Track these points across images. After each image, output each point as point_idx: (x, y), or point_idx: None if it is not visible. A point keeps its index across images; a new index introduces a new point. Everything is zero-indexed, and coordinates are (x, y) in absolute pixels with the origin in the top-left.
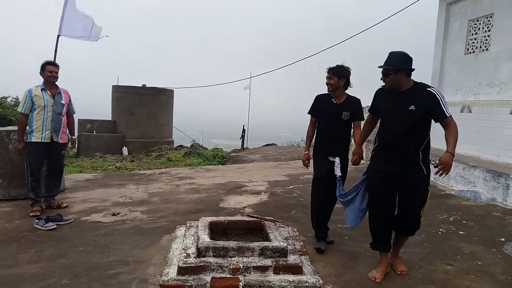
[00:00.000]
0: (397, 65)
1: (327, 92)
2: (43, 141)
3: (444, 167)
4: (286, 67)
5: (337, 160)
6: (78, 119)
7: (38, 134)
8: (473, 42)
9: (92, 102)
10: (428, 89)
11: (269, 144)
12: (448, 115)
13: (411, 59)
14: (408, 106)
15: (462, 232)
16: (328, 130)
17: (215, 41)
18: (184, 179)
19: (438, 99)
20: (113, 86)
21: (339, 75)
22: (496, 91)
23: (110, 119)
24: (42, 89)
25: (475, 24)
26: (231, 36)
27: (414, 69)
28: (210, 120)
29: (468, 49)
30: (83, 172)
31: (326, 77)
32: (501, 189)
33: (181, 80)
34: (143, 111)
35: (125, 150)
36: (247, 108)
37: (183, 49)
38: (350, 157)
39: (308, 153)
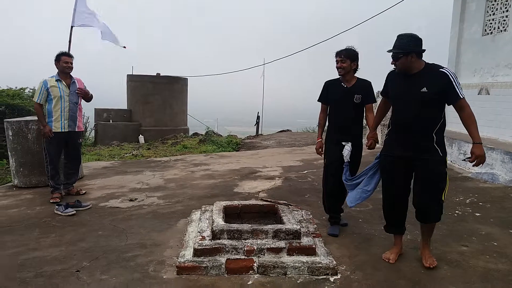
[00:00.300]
0: (406, 47)
1: (336, 77)
2: (62, 130)
3: (479, 159)
4: (301, 52)
5: (348, 145)
6: (94, 109)
7: (58, 124)
8: (491, 23)
9: (108, 92)
10: (440, 69)
11: (284, 130)
12: (461, 97)
13: (420, 40)
14: (420, 88)
15: (478, 214)
16: (340, 115)
17: (229, 29)
18: (199, 165)
19: (451, 80)
20: (128, 75)
21: (351, 58)
22: None
23: (126, 108)
24: (57, 80)
25: (493, 4)
26: (245, 23)
27: (424, 50)
28: (225, 108)
29: (485, 30)
30: (101, 160)
31: (337, 60)
32: None
33: (196, 69)
34: (158, 100)
35: (141, 138)
36: (262, 95)
37: (196, 37)
38: (364, 141)
39: (321, 140)
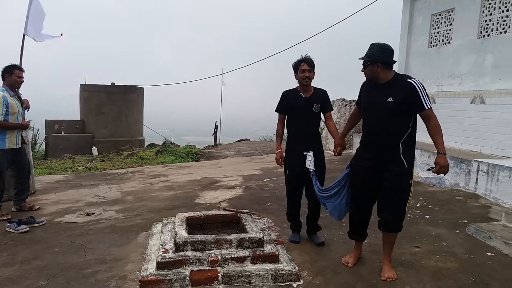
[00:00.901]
0: (374, 56)
1: (293, 88)
2: (17, 147)
3: (443, 170)
4: (258, 63)
5: (310, 154)
6: (45, 120)
7: (13, 140)
8: (436, 36)
9: (58, 103)
10: (408, 80)
11: (242, 140)
12: (427, 107)
13: (390, 51)
14: (386, 98)
15: (428, 216)
16: (300, 125)
17: (187, 39)
18: (158, 177)
19: (417, 90)
20: (81, 85)
21: (314, 67)
22: (458, 82)
23: (79, 119)
24: (12, 96)
25: (438, 18)
26: (202, 33)
27: (394, 61)
28: (181, 118)
29: (431, 43)
30: (53, 174)
31: (304, 69)
32: (463, 175)
33: (151, 78)
34: (112, 110)
35: (94, 150)
36: (219, 105)
37: (153, 47)
38: (328, 150)
39: (281, 151)
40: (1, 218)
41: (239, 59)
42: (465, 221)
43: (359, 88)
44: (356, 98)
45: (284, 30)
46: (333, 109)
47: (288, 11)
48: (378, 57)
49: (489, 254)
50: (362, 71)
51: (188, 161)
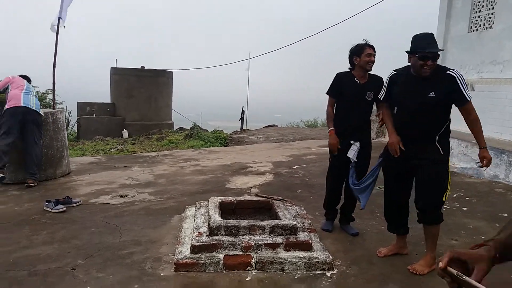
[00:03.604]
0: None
1: (346, 71)
2: None
3: (489, 163)
4: (285, 48)
5: (357, 144)
6: (77, 102)
7: None
8: (477, 20)
9: (91, 85)
10: (448, 72)
11: (270, 126)
12: (468, 100)
13: None
14: (428, 92)
15: (465, 208)
16: (350, 112)
17: (216, 23)
18: (188, 160)
19: (459, 83)
20: (111, 68)
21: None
22: (499, 69)
23: (110, 102)
24: None
25: (479, 1)
26: (231, 18)
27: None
28: (208, 102)
29: (471, 27)
30: (86, 155)
31: (370, 54)
32: (503, 166)
33: (181, 63)
34: (142, 94)
35: (125, 133)
36: (246, 90)
37: (182, 32)
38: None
39: (335, 134)
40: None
41: (269, 45)
42: (505, 215)
43: (386, 82)
44: (382, 93)
45: (310, 19)
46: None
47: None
48: None
49: None
50: (427, 64)
51: (217, 146)
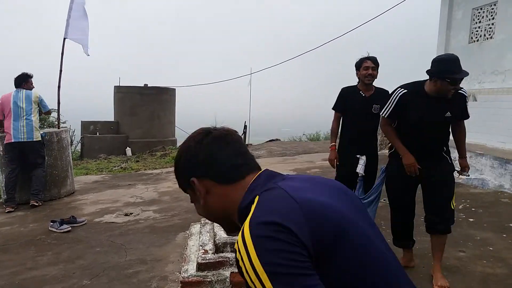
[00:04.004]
0: None
1: (353, 85)
2: None
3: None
4: (286, 62)
5: (363, 158)
6: (81, 121)
7: None
8: (477, 31)
9: (94, 104)
10: (459, 91)
11: (273, 140)
12: (468, 116)
13: None
14: (444, 113)
15: (471, 219)
16: (357, 126)
17: (217, 39)
18: None
19: (466, 101)
20: (115, 86)
21: (378, 67)
22: (501, 79)
23: (113, 120)
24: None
25: (479, 12)
26: (233, 33)
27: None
28: (210, 118)
29: (472, 38)
30: (89, 174)
31: (368, 67)
32: (508, 176)
33: (183, 80)
34: (145, 111)
35: (128, 151)
36: (248, 104)
37: (185, 48)
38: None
39: (336, 150)
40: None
41: (268, 61)
42: None
43: (394, 100)
44: (388, 109)
45: (313, 32)
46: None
47: (318, 13)
48: None
49: None
50: (453, 90)
51: None
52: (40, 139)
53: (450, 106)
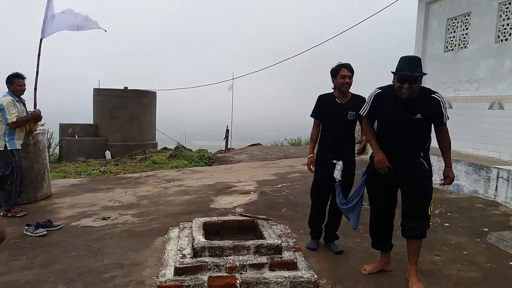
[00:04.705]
0: (422, 70)
1: (329, 92)
2: (20, 148)
3: (451, 181)
4: (269, 68)
5: (340, 163)
6: (59, 124)
7: (20, 141)
8: (452, 40)
9: (72, 107)
10: (433, 95)
11: (255, 144)
12: (445, 122)
13: None
14: (415, 114)
15: (447, 224)
16: (333, 132)
17: (198, 43)
18: (172, 181)
19: (442, 106)
20: (94, 89)
21: (353, 74)
22: (475, 87)
23: (92, 123)
24: (17, 101)
25: (453, 22)
26: (214, 38)
27: (426, 74)
28: (192, 122)
29: (447, 47)
30: (68, 177)
31: (345, 75)
32: (482, 182)
33: (163, 83)
34: (125, 114)
35: (108, 154)
36: (230, 109)
37: (165, 52)
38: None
39: (313, 156)
40: (17, 214)
41: (252, 64)
42: (486, 229)
43: (370, 99)
44: (365, 109)
45: (297, 37)
46: (362, 115)
47: (301, 18)
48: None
49: None
50: (405, 88)
51: (201, 166)
52: (2, 149)
53: (420, 107)
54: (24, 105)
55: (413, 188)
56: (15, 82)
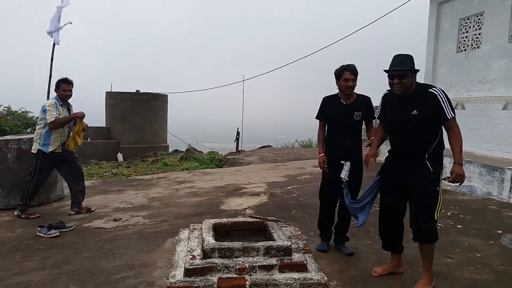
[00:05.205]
0: (412, 65)
1: (334, 93)
2: (58, 151)
3: (459, 179)
4: (280, 69)
5: (348, 164)
6: None
7: (55, 145)
8: (464, 41)
9: (86, 109)
10: (429, 90)
11: (265, 146)
12: (449, 117)
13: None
14: (411, 111)
15: (460, 226)
16: (340, 133)
17: (209, 46)
18: (183, 183)
19: (440, 100)
20: (106, 92)
21: (357, 76)
22: (488, 88)
23: (104, 125)
24: (61, 105)
25: (466, 22)
26: (225, 40)
27: (419, 70)
28: (203, 124)
29: (459, 47)
30: None
31: (348, 78)
32: (496, 183)
33: (175, 86)
34: (137, 117)
35: (120, 156)
36: (241, 111)
37: (175, 54)
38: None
39: (324, 155)
40: (31, 216)
41: (262, 66)
42: (499, 232)
43: (380, 101)
44: (377, 111)
45: (307, 39)
46: (375, 118)
47: (314, 23)
48: (414, 66)
49: None
50: (395, 83)
51: (212, 168)
52: (35, 152)
53: (417, 104)
54: (69, 110)
55: (415, 191)
56: (61, 87)
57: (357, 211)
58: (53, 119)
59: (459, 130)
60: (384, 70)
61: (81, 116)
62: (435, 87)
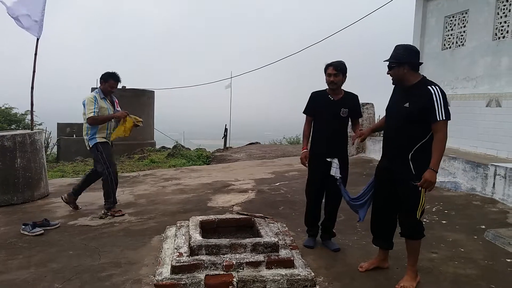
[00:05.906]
0: (400, 58)
1: (323, 89)
2: (108, 140)
3: (427, 185)
4: (269, 68)
5: (335, 161)
6: (57, 123)
7: (103, 135)
8: (450, 38)
9: (72, 105)
10: (428, 86)
11: (253, 143)
12: (439, 119)
13: (416, 52)
14: (404, 103)
15: (444, 222)
16: (326, 129)
17: (196, 42)
18: (170, 180)
19: (434, 99)
20: (92, 88)
21: (343, 72)
22: (473, 85)
23: None
24: (103, 98)
25: (451, 20)
26: (212, 37)
27: (421, 63)
28: (190, 121)
29: (444, 45)
30: (65, 177)
31: (330, 73)
32: (479, 179)
33: (161, 82)
34: None
35: None
36: (229, 108)
37: (163, 51)
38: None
39: (307, 151)
40: (116, 214)
41: (253, 64)
42: (483, 227)
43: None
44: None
45: (295, 36)
46: (362, 116)
47: (298, 17)
48: (405, 58)
49: (509, 260)
50: (388, 73)
51: (200, 164)
52: (89, 147)
53: (412, 97)
54: (112, 103)
55: (400, 189)
56: (109, 82)
57: (358, 207)
58: (91, 115)
59: (445, 137)
60: (384, 61)
61: (122, 116)
62: (436, 86)
